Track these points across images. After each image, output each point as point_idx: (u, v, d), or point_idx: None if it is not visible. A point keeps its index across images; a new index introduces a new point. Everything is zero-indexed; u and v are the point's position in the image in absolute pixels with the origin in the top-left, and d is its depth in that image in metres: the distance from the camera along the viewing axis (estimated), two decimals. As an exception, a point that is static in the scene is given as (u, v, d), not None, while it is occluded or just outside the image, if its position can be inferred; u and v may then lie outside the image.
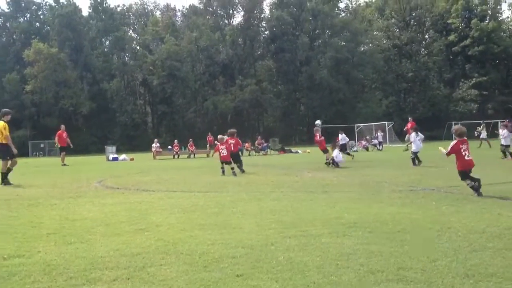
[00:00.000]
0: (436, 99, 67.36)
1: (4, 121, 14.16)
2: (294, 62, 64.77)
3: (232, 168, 15.45)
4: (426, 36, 72.25)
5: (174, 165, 22.92)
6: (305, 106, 66.29)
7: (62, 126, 26.69)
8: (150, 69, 62.42)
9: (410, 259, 4.66)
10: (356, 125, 44.73)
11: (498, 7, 72.72)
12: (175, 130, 59.52)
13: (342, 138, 23.40)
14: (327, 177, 14.10)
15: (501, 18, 73.17)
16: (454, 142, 9.65)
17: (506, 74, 70.00)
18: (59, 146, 26.41)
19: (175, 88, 61.10)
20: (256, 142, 35.72)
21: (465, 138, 9.64)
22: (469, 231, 5.92)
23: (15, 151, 14.21)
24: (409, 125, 28.91)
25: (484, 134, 32.75)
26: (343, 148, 22.11)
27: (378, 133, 37.80)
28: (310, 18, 66.31)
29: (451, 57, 71.43)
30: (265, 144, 35.54)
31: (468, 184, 9.33)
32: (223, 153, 15.79)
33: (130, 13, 75.73)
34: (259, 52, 70.54)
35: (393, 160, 22.77)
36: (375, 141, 35.83)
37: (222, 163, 15.84)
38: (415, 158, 17.52)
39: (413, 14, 70.43)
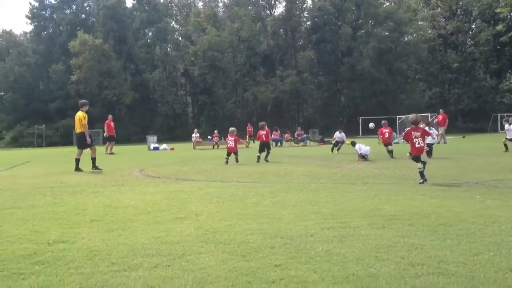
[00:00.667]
0: (482, 91, 65.37)
1: (83, 111, 14.92)
2: (335, 52, 64.04)
3: (236, 158, 17.15)
4: (473, 26, 70.04)
5: (214, 155, 23.10)
6: (346, 97, 65.58)
7: (110, 116, 27.52)
8: (192, 59, 62.96)
9: (451, 253, 4.58)
10: (398, 116, 43.95)
11: (550, -5, 69.84)
12: (215, 120, 59.93)
13: (341, 136, 22.81)
14: (367, 168, 13.93)
15: (552, 6, 70.26)
16: (408, 129, 11.30)
17: (558, 65, 67.32)
18: (107, 135, 27.12)
19: (215, 79, 61.46)
20: (295, 133, 35.58)
21: (419, 126, 11.22)
22: (514, 226, 5.76)
23: (89, 140, 14.91)
24: (440, 117, 28.35)
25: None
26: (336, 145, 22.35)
27: (421, 125, 36.94)
28: (353, 8, 65.32)
29: (499, 47, 68.98)
30: (305, 135, 35.35)
31: (419, 168, 10.29)
32: (230, 144, 17.24)
33: (173, 4, 76.40)
34: (300, 43, 70.06)
35: (436, 152, 22.27)
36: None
37: (228, 154, 17.13)
38: (430, 151, 17.47)
39: (460, 3, 68.32)
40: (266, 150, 18.14)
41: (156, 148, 32.06)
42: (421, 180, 10.01)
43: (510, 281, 3.83)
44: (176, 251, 4.81)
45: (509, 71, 65.00)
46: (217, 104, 63.16)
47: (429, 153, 17.32)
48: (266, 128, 18.74)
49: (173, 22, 73.51)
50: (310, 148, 30.15)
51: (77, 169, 14.71)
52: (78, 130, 15.04)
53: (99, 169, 14.89)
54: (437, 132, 26.10)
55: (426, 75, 67.85)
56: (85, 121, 14.87)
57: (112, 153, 25.58)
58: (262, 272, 4.12)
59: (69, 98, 58.27)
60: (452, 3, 68.09)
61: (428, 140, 17.29)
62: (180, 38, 69.32)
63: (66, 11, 66.83)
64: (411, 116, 11.67)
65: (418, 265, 4.20)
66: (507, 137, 19.89)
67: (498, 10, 67.21)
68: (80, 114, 14.91)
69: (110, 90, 57.00)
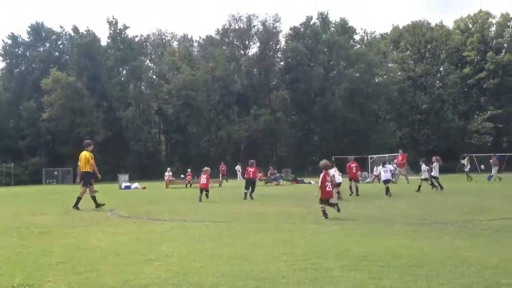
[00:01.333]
0: (450, 131, 66.95)
1: (89, 151, 15.54)
2: (308, 92, 64.97)
3: (206, 194, 17.90)
4: (441, 69, 72.19)
5: (186, 194, 22.91)
6: (319, 137, 66.24)
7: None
8: (166, 98, 63.01)
9: (423, 295, 4.58)
10: (369, 156, 44.45)
11: (514, 39, 72.74)
12: (188, 159, 59.61)
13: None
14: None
15: (517, 50, 73.08)
16: (322, 174, 11.81)
17: (522, 107, 69.50)
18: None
19: (189, 117, 61.49)
20: (268, 172, 35.65)
21: (328, 171, 12.17)
22: (483, 266, 5.82)
23: (99, 176, 15.72)
24: (399, 158, 28.89)
25: (468, 167, 32.79)
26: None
27: (392, 165, 37.51)
28: (325, 50, 66.73)
29: (466, 89, 71.16)
30: (278, 174, 35.47)
31: (321, 208, 11.47)
32: (202, 181, 18.09)
33: (147, 43, 76.87)
34: (274, 83, 70.94)
35: (406, 192, 22.53)
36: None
37: (200, 191, 17.85)
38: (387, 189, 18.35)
39: (428, 47, 70.56)
40: (251, 187, 18.71)
41: (127, 187, 31.64)
42: (323, 217, 11.23)
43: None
44: (145, 295, 4.70)
45: (477, 112, 66.89)
46: (191, 143, 63.01)
47: (387, 191, 17.78)
48: (255, 166, 19.55)
49: (148, 61, 73.83)
50: (283, 187, 30.17)
51: (98, 205, 15.38)
52: (83, 169, 15.49)
53: (79, 209, 14.99)
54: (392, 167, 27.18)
55: (396, 115, 69.29)
56: (92, 161, 15.49)
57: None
58: (232, 316, 4.05)
59: (39, 136, 57.38)
60: (421, 46, 70.31)
61: (385, 177, 17.97)
62: (154, 77, 69.48)
63: (39, 49, 66.50)
64: (323, 162, 12.32)
65: (389, 308, 4.19)
66: (422, 177, 20.96)
67: (465, 54, 69.71)
68: (86, 154, 15.45)
69: (82, 128, 56.35)
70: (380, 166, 19.01)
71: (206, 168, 19.19)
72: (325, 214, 11.30)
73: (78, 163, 15.67)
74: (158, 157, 64.89)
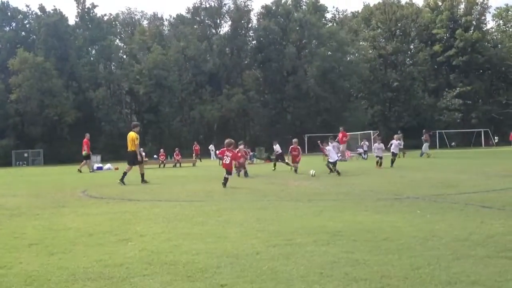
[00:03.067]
0: (420, 109, 67.98)
1: (135, 132, 16.73)
2: (281, 71, 64.99)
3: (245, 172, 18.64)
4: (411, 46, 72.96)
5: (160, 174, 22.80)
6: (292, 115, 66.47)
7: (87, 135, 28.21)
8: (137, 78, 62.15)
9: (393, 267, 4.68)
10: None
11: (483, 17, 73.75)
12: (161, 139, 59.21)
13: (277, 149, 23.21)
14: (313, 185, 14.13)
15: (485, 28, 74.20)
16: (223, 148, 14.98)
17: (489, 84, 70.86)
18: (86, 153, 27.56)
19: (161, 97, 60.88)
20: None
21: (230, 148, 14.77)
22: (453, 239, 5.96)
23: (139, 158, 16.94)
24: (340, 135, 29.07)
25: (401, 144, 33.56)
26: (281, 158, 22.68)
27: (363, 142, 37.99)
28: (297, 28, 66.63)
29: (436, 67, 72.20)
30: (251, 153, 35.52)
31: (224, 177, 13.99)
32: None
33: (117, 22, 75.36)
34: (246, 62, 70.67)
35: (377, 167, 22.87)
36: (361, 150, 35.95)
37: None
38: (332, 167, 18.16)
39: (399, 25, 71.13)
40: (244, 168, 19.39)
41: (99, 168, 31.32)
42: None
43: (449, 293, 3.95)
44: (119, 274, 4.69)
45: (446, 89, 68.02)
46: (163, 123, 62.52)
47: (333, 169, 17.94)
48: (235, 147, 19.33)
49: (117, 40, 72.54)
50: (256, 165, 30.28)
51: (122, 181, 16.18)
52: (130, 148, 16.78)
53: (147, 182, 16.48)
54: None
55: (368, 93, 69.96)
56: (137, 141, 16.60)
57: (80, 171, 26.05)
58: (207, 293, 4.08)
59: (8, 118, 56.12)
60: (391, 25, 70.79)
61: (332, 158, 17.89)
62: (124, 56, 68.43)
63: (5, 29, 64.69)
64: (227, 140, 15.14)
65: (361, 281, 4.27)
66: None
67: (435, 31, 70.52)
68: (132, 135, 16.64)
69: (51, 109, 55.33)
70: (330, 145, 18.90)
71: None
72: (225, 183, 13.89)
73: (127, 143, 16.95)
74: (130, 138, 64.23)
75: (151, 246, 5.95)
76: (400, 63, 70.15)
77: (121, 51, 69.51)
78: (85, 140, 27.70)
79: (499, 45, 73.82)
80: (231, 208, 9.43)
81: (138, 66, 62.33)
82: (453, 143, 57.15)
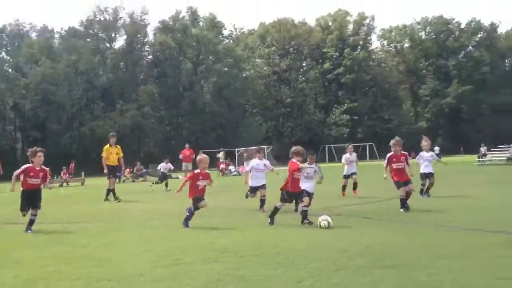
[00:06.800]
0: (312, 124, 70.56)
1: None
2: (177, 87, 64.42)
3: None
4: (304, 64, 75.71)
5: (45, 194, 21.48)
6: (188, 131, 65.99)
7: None
8: (22, 92, 58.56)
9: (278, 281, 4.72)
10: (236, 149, 45.35)
11: (369, 37, 78.53)
12: (47, 157, 56.09)
13: (162, 166, 22.38)
14: (207, 202, 14.01)
15: (370, 48, 78.98)
16: None
17: (374, 101, 75.14)
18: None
19: (49, 113, 57.75)
20: (135, 168, 34.82)
21: None
22: (335, 250, 6.17)
23: (106, 171, 15.70)
24: (187, 152, 27.95)
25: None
26: (164, 177, 21.60)
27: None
28: (194, 44, 66.48)
29: (326, 84, 75.47)
30: (144, 170, 34.77)
31: None
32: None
33: (3, 34, 70.78)
34: (141, 77, 69.25)
35: (269, 183, 23.25)
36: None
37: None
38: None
39: (292, 43, 73.59)
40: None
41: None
42: None
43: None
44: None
45: (335, 105, 71.31)
46: (50, 140, 59.17)
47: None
48: None
49: (3, 53, 68.13)
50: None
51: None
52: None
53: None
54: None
55: (262, 109, 71.33)
56: (104, 154, 15.77)
57: None
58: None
59: None
60: (285, 43, 73.06)
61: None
62: (10, 70, 64.30)
63: None
64: None
65: (244, 298, 4.25)
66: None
67: (325, 50, 73.91)
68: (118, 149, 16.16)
69: None
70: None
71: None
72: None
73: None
74: (13, 156, 60.10)
75: (26, 272, 5.53)
76: (293, 80, 72.44)
77: (6, 64, 65.25)
78: None
79: (383, 64, 79.02)
80: (118, 228, 9.09)
81: (24, 80, 58.77)
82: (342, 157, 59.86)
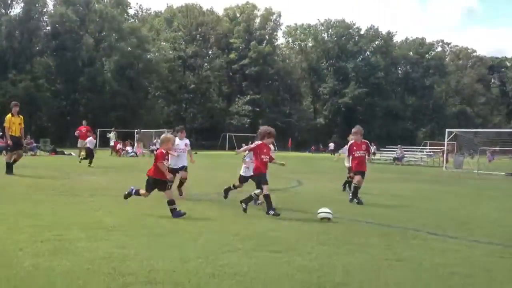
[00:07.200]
0: (214, 112, 70.81)
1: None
2: (76, 62, 61.57)
3: None
4: (210, 52, 75.58)
5: None
6: (85, 108, 63.39)
7: None
8: None
9: (163, 261, 4.73)
10: (135, 130, 44.35)
11: (275, 33, 79.95)
12: None
13: (90, 141, 21.74)
14: (98, 180, 13.70)
15: (276, 43, 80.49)
16: None
17: (276, 95, 76.82)
18: None
19: None
20: (24, 142, 32.85)
21: None
22: (226, 233, 6.30)
23: (10, 142, 14.79)
24: (83, 129, 26.23)
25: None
26: (91, 153, 21.03)
27: (156, 140, 38.07)
28: (97, 19, 63.78)
29: (231, 74, 75.94)
30: (34, 144, 32.99)
31: None
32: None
33: None
34: (38, 48, 65.32)
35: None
36: (153, 147, 35.96)
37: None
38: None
39: (199, 30, 73.07)
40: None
41: None
42: None
43: (212, 285, 4.11)
44: None
45: (238, 96, 72.02)
46: None
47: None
48: None
49: None
50: (40, 158, 28.18)
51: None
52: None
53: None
54: None
55: (165, 93, 70.33)
56: (6, 124, 14.79)
57: None
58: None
59: None
60: (192, 29, 72.42)
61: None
62: None
63: None
64: None
65: (128, 275, 4.22)
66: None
67: (232, 40, 74.24)
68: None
69: None
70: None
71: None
72: None
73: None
74: None
75: None
76: (198, 66, 72.10)
77: None
78: None
79: (287, 60, 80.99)
80: (0, 201, 8.60)
81: None
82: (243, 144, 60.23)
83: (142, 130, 41.43)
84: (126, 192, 8.37)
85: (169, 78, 69.66)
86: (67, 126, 60.14)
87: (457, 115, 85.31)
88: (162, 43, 72.57)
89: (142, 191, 8.08)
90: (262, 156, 8.51)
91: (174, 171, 10.17)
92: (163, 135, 8.68)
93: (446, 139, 29.99)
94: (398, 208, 9.80)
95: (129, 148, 36.31)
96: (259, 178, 8.38)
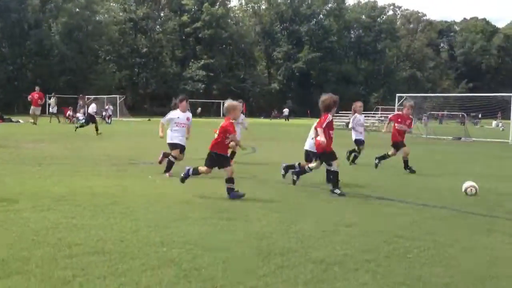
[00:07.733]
0: (168, 76, 69.52)
1: None
2: (21, 24, 58.90)
3: None
4: (162, 14, 73.73)
5: None
6: (33, 73, 61.14)
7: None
8: None
9: (112, 231, 4.71)
10: (87, 96, 43.12)
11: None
12: None
13: (92, 107, 20.94)
14: (48, 149, 13.35)
15: (229, 5, 79.09)
16: None
17: (230, 59, 76.10)
18: None
19: None
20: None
21: None
22: (177, 202, 6.30)
23: None
24: (36, 96, 26.57)
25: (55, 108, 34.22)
26: (93, 119, 20.27)
27: (108, 106, 37.37)
28: (41, -23, 61.13)
29: (184, 37, 74.37)
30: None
31: None
32: None
33: None
34: (-21, 9, 62.13)
35: (121, 133, 22.78)
36: (105, 114, 35.25)
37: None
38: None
39: (150, -9, 71.06)
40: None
41: None
42: None
43: (160, 254, 4.12)
44: None
45: (192, 60, 70.87)
46: None
47: None
48: None
49: None
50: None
51: None
52: None
53: None
54: None
55: (117, 57, 68.43)
56: None
57: None
58: None
59: None
60: (142, -10, 70.31)
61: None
62: None
63: None
64: None
65: (75, 246, 4.18)
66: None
67: (184, 2, 72.48)
68: None
69: None
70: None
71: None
72: None
73: None
74: None
75: None
76: (150, 29, 70.34)
77: None
78: None
79: (240, 23, 79.82)
80: None
81: None
82: (198, 109, 59.38)
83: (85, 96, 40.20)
84: (182, 175, 7.14)
85: (120, 42, 67.73)
86: (15, 92, 57.95)
87: (407, 79, 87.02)
88: (111, 4, 70.14)
89: (203, 168, 7.06)
90: (330, 132, 7.83)
91: (183, 148, 9.14)
92: (228, 102, 7.43)
93: (396, 104, 30.59)
94: (350, 175, 9.99)
95: (79, 115, 35.39)
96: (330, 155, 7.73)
